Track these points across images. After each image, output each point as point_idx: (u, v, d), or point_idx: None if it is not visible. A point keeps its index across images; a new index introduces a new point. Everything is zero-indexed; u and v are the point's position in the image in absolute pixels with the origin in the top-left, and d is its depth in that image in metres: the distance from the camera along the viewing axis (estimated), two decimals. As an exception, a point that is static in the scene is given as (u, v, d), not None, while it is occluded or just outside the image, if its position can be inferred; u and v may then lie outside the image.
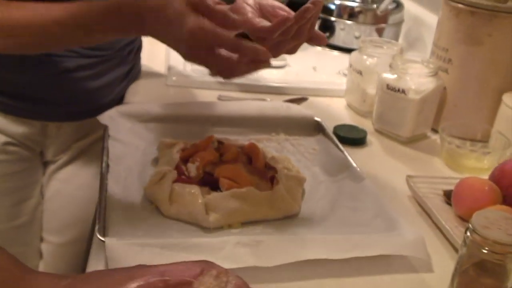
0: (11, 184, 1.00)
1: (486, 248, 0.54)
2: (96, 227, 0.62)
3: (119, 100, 1.06)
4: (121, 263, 0.57)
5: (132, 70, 1.11)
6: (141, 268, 0.48)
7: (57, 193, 1.07)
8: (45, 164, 1.06)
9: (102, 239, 0.60)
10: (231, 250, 0.60)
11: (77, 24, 0.73)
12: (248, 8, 0.85)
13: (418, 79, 0.94)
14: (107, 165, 0.76)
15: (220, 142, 0.83)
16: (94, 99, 1.01)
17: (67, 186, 1.06)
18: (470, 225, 0.55)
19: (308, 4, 0.73)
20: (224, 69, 0.73)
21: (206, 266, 0.48)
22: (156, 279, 0.46)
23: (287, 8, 0.88)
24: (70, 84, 0.97)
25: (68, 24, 0.73)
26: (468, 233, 0.55)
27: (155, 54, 1.25)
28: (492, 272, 0.56)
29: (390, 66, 0.97)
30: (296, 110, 0.97)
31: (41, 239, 1.09)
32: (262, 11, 0.88)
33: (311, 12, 0.73)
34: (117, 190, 0.72)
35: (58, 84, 0.97)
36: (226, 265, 0.58)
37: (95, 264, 0.61)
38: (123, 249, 0.58)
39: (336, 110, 1.09)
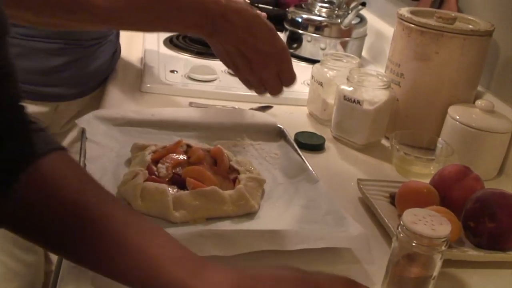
0: None
1: (415, 241, 0.62)
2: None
3: (109, 74, 1.27)
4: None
5: (117, 50, 1.31)
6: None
7: None
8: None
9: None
10: (194, 241, 0.67)
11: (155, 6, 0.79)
12: None
13: (373, 91, 1.03)
14: (84, 165, 0.82)
15: (188, 146, 0.90)
16: (97, 76, 1.23)
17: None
18: (401, 222, 0.63)
19: None
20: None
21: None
22: None
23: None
24: (83, 68, 1.15)
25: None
26: (399, 229, 0.63)
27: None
28: (420, 262, 0.64)
29: (347, 78, 1.05)
30: (261, 117, 1.05)
31: None
32: None
33: None
34: (93, 187, 0.79)
35: (73, 69, 1.13)
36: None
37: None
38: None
39: (298, 118, 1.17)
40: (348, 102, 1.04)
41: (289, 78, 0.86)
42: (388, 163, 1.03)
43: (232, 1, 0.81)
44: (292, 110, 1.20)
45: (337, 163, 1.02)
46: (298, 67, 1.48)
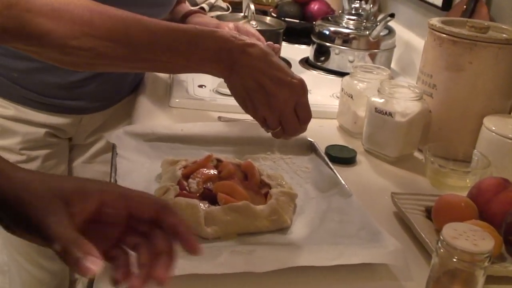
0: (46, 164, 1.18)
1: (455, 257, 0.60)
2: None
3: (135, 86, 1.29)
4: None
5: None
6: None
7: (80, 172, 1.29)
8: (72, 146, 1.28)
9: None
10: (226, 257, 0.66)
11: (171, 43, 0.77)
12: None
13: (405, 103, 1.01)
14: (115, 181, 0.82)
15: (218, 160, 0.90)
16: (121, 89, 1.24)
17: (88, 165, 1.29)
18: (441, 236, 0.61)
19: None
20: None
21: None
22: None
23: (257, 34, 1.16)
24: (106, 81, 1.15)
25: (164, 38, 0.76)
26: (439, 244, 0.61)
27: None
28: (462, 279, 0.62)
29: (378, 90, 1.04)
30: (290, 131, 1.04)
31: None
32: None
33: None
34: (124, 203, 0.78)
35: (96, 82, 1.14)
36: (222, 270, 0.65)
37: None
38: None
39: (329, 131, 1.16)
40: (380, 114, 1.02)
41: (306, 114, 0.81)
42: (421, 176, 1.01)
43: (197, 23, 0.80)
44: (321, 123, 1.18)
45: (370, 177, 1.00)
46: (326, 80, 1.48)
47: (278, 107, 0.78)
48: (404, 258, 0.71)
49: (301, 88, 0.79)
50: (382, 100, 1.02)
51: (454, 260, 0.60)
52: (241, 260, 0.66)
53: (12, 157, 1.14)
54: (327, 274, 0.69)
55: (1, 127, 1.13)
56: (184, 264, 0.64)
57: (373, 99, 1.04)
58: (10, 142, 1.14)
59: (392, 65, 1.55)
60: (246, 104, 0.81)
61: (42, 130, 1.16)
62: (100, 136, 1.27)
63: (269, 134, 1.01)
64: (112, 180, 0.82)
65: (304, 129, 0.83)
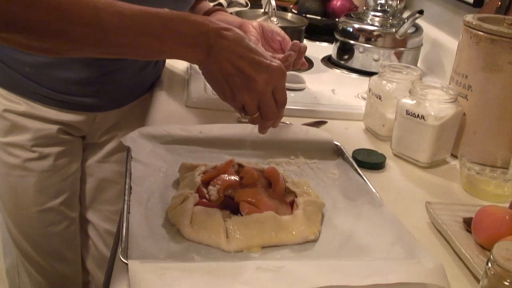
0: (59, 163, 1.14)
1: (508, 281, 0.54)
2: (119, 250, 0.63)
3: (151, 84, 1.24)
4: (144, 285, 0.57)
5: (159, 61, 1.27)
6: None
7: (94, 171, 1.25)
8: (86, 145, 1.23)
9: (125, 261, 0.61)
10: (251, 275, 0.60)
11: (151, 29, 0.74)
12: (253, 32, 1.08)
13: (438, 105, 0.94)
14: (130, 187, 0.77)
15: (240, 165, 0.84)
16: (136, 87, 1.20)
17: (103, 165, 1.25)
18: (491, 257, 0.55)
19: (290, 52, 0.95)
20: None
21: None
22: None
23: (282, 33, 1.13)
24: (120, 79, 1.12)
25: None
26: (490, 265, 0.55)
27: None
28: (514, 303, 0.56)
29: (410, 91, 0.97)
30: (316, 133, 0.98)
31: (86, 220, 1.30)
32: (264, 34, 1.11)
33: (293, 57, 0.94)
34: (139, 212, 0.73)
35: (110, 80, 1.10)
36: (246, 289, 0.59)
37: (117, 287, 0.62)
38: (146, 272, 0.59)
39: (354, 134, 1.10)
40: (411, 117, 0.95)
41: (283, 97, 0.80)
42: (455, 183, 0.94)
43: (219, 20, 0.79)
44: (347, 125, 1.13)
45: (400, 183, 0.93)
46: (350, 79, 1.42)
47: (258, 91, 0.77)
48: (445, 276, 0.65)
49: (280, 72, 0.78)
50: (413, 102, 0.96)
51: (506, 283, 0.54)
52: (268, 278, 0.60)
53: (23, 154, 1.10)
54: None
55: (12, 123, 1.09)
56: (206, 282, 0.58)
57: (404, 100, 0.97)
58: (22, 138, 1.10)
59: (418, 65, 1.48)
60: (224, 90, 0.79)
61: (55, 127, 1.11)
62: (115, 134, 1.23)
63: (293, 136, 0.96)
64: (127, 186, 0.76)
65: (281, 115, 0.83)
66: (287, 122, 1.08)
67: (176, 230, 0.71)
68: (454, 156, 1.01)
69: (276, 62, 0.78)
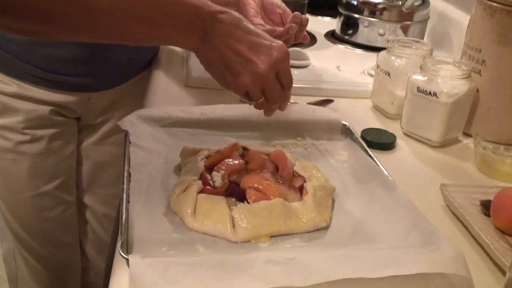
0: (53, 145, 1.10)
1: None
2: (119, 243, 0.59)
3: (147, 62, 1.19)
4: (146, 282, 0.54)
5: None
6: None
7: (90, 153, 1.21)
8: (81, 126, 1.18)
9: (126, 256, 0.57)
10: (261, 269, 0.56)
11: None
12: (252, 5, 1.02)
13: (451, 81, 0.90)
14: (129, 174, 0.72)
15: (245, 149, 0.80)
16: (131, 65, 1.14)
17: (100, 147, 1.20)
18: (519, 246, 0.51)
19: (291, 24, 0.95)
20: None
21: None
22: None
23: (283, 5, 1.08)
24: (114, 57, 1.06)
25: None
26: (518, 255, 0.51)
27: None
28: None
29: (421, 67, 0.92)
30: (323, 113, 0.93)
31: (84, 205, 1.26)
32: (263, 6, 1.06)
33: (294, 29, 0.95)
34: (140, 200, 0.69)
35: (103, 59, 1.05)
36: (257, 284, 0.55)
37: (118, 283, 0.58)
38: (148, 268, 0.55)
39: (362, 112, 1.05)
40: (422, 94, 0.91)
41: (289, 79, 0.77)
42: (469, 162, 0.90)
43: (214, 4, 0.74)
44: (353, 103, 1.08)
45: (411, 164, 0.89)
46: (354, 54, 1.37)
47: (260, 75, 0.73)
48: (466, 266, 0.61)
49: (282, 52, 0.74)
50: (425, 78, 0.91)
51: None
52: (279, 271, 0.56)
53: (15, 137, 1.06)
54: (374, 284, 0.59)
55: (2, 104, 1.04)
56: (213, 278, 0.55)
57: (415, 77, 0.93)
58: (12, 120, 1.05)
59: (425, 39, 1.43)
60: (225, 77, 0.75)
61: (47, 108, 1.06)
62: (111, 115, 1.18)
63: (299, 116, 0.92)
64: (125, 174, 0.72)
65: (288, 97, 0.80)
66: (292, 101, 1.03)
67: (179, 220, 0.67)
68: (466, 134, 0.97)
69: (277, 43, 0.74)
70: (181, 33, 0.71)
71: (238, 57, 0.72)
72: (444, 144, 0.93)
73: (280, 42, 0.75)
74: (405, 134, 0.96)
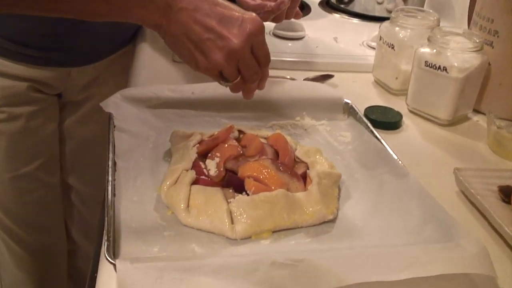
0: (32, 124, 1.02)
1: None
2: (104, 247, 0.52)
3: (131, 34, 1.11)
4: (136, 292, 0.47)
5: None
6: None
7: (73, 132, 1.13)
8: (62, 104, 1.10)
9: (113, 261, 0.50)
10: (265, 273, 0.50)
11: None
12: None
13: (462, 54, 0.83)
14: (114, 163, 0.65)
15: (240, 132, 0.73)
16: (115, 38, 1.06)
17: (83, 125, 1.13)
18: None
19: None
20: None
21: None
22: None
23: None
24: (93, 29, 0.98)
25: None
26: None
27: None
28: None
29: (429, 39, 0.86)
30: (323, 90, 0.86)
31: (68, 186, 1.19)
32: None
33: (286, 5, 0.89)
34: (127, 193, 0.62)
35: (82, 32, 0.97)
36: (261, 292, 0.49)
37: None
38: (138, 275, 0.48)
39: (363, 88, 0.99)
40: (431, 69, 0.84)
41: (265, 54, 0.69)
42: (480, 142, 0.84)
43: None
44: (353, 78, 1.01)
45: (419, 145, 0.83)
46: (351, 25, 1.29)
47: (234, 51, 0.65)
48: (491, 263, 0.55)
49: (256, 24, 0.66)
50: (433, 52, 0.85)
51: None
52: (285, 276, 0.50)
53: None
54: (389, 284, 0.53)
55: None
56: (212, 284, 0.48)
57: (422, 50, 0.86)
58: None
59: (425, 7, 1.36)
60: (195, 57, 0.67)
61: (24, 84, 0.99)
62: (94, 92, 1.10)
63: (298, 94, 0.85)
64: (110, 163, 0.65)
65: (266, 74, 0.72)
66: (288, 77, 0.96)
67: (171, 214, 0.61)
68: (476, 111, 0.91)
69: (249, 14, 0.66)
70: (141, 10, 0.64)
71: (208, 32, 0.65)
72: (453, 122, 0.87)
73: (253, 13, 0.67)
74: (411, 112, 0.90)
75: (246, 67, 0.68)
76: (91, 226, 1.25)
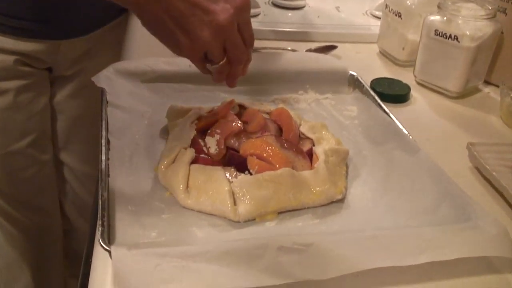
0: (21, 99, 0.98)
1: None
2: (98, 232, 0.48)
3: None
4: (134, 282, 0.44)
5: None
6: None
7: (65, 107, 1.08)
8: (53, 78, 1.04)
9: (107, 248, 0.46)
10: (272, 259, 0.47)
11: None
12: None
13: (474, 22, 0.78)
14: (107, 141, 0.61)
15: (241, 107, 0.69)
16: (105, 8, 1.00)
17: (75, 100, 1.07)
18: None
19: None
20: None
21: None
22: None
23: None
24: (82, 0, 0.93)
25: None
26: None
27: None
28: None
29: (439, 6, 0.81)
30: (327, 62, 0.82)
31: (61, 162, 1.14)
32: None
33: None
34: (122, 173, 0.58)
35: (71, 2, 0.92)
36: (268, 280, 0.45)
37: (100, 280, 0.48)
38: (136, 263, 0.45)
39: (368, 59, 0.94)
40: (441, 38, 0.80)
41: (250, 33, 0.63)
42: (492, 115, 0.80)
43: None
44: (357, 49, 0.97)
45: (429, 119, 0.79)
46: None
47: (221, 27, 0.59)
48: (511, 245, 0.52)
49: (243, 0, 0.60)
50: (444, 20, 0.80)
51: None
52: (294, 261, 0.47)
53: None
54: (404, 269, 0.50)
55: None
56: (215, 274, 0.45)
57: (432, 18, 0.81)
58: None
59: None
60: (177, 37, 0.59)
61: (11, 58, 0.93)
62: (85, 65, 1.05)
63: (301, 66, 0.81)
64: (104, 141, 0.61)
65: (250, 58, 0.66)
66: (289, 48, 0.92)
67: (169, 195, 0.57)
68: (487, 82, 0.87)
69: None
70: None
71: (193, 7, 0.58)
72: (463, 94, 0.83)
73: None
74: (419, 84, 0.86)
75: (234, 46, 0.62)
76: (86, 204, 1.22)
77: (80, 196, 1.23)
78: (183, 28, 0.58)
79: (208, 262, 0.45)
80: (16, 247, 1.19)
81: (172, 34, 0.59)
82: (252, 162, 0.58)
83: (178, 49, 0.61)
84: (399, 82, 0.83)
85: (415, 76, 0.86)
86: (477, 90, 0.86)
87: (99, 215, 0.50)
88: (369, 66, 0.91)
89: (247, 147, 0.60)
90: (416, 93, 0.84)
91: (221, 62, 0.62)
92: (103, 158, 0.58)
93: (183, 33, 0.59)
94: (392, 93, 0.80)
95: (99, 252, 0.48)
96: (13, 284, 1.18)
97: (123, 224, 0.52)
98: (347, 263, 0.47)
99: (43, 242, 1.22)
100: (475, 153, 0.67)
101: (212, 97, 0.74)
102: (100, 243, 0.47)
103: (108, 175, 0.57)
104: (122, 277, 0.44)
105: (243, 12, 0.61)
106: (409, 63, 0.89)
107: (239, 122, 0.64)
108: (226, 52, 0.62)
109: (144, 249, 0.46)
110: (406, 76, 0.87)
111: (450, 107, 0.82)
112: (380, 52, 0.95)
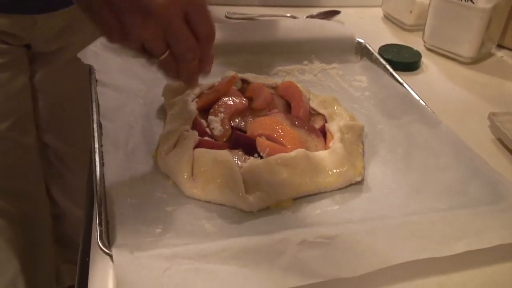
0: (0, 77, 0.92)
1: None
2: (96, 233, 0.43)
3: None
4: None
5: None
6: None
7: (47, 87, 1.01)
8: (33, 55, 0.98)
9: (108, 251, 0.41)
10: (294, 254, 0.42)
11: None
12: None
13: (489, -18, 0.73)
14: (99, 125, 0.55)
15: (244, 81, 0.63)
16: None
17: (59, 78, 1.01)
18: None
19: None
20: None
21: None
22: None
23: None
24: None
25: None
26: None
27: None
28: None
29: (451, -35, 0.75)
30: (332, 28, 0.76)
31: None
32: None
33: None
34: (117, 160, 0.52)
35: None
36: (291, 280, 0.40)
37: (99, 285, 0.42)
38: (142, 269, 0.39)
39: (372, 25, 0.89)
40: (453, -1, 0.74)
41: (205, 24, 0.51)
42: (508, 80, 0.75)
43: None
44: (361, 13, 0.91)
45: (443, 87, 0.74)
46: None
47: (158, 16, 0.48)
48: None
49: None
50: (457, -21, 0.74)
51: None
52: (317, 258, 0.42)
53: None
54: (433, 260, 0.45)
55: None
56: (233, 276, 0.40)
57: (444, -22, 0.75)
58: None
59: None
60: (109, 23, 0.49)
61: None
62: (67, 40, 0.98)
63: (305, 34, 0.75)
64: (95, 125, 0.55)
65: (208, 52, 0.53)
66: (288, 15, 0.85)
67: (171, 183, 0.51)
68: (500, 46, 0.81)
69: None
70: None
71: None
72: (476, 60, 0.78)
73: None
74: (429, 50, 0.81)
75: (175, 39, 0.50)
76: (75, 187, 1.16)
77: (67, 179, 1.18)
78: (114, 14, 0.49)
79: (223, 263, 0.40)
80: (4, 236, 1.13)
81: (103, 18, 0.49)
82: (262, 144, 0.52)
83: (109, 34, 0.51)
84: (408, 48, 0.78)
85: (424, 42, 0.80)
86: (489, 54, 0.81)
87: (96, 212, 0.44)
88: (374, 32, 0.85)
89: (254, 126, 0.54)
90: (426, 60, 0.78)
91: (161, 57, 0.51)
92: (96, 145, 0.52)
93: (114, 20, 0.49)
94: (402, 60, 0.75)
95: (98, 254, 0.43)
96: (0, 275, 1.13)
97: (123, 220, 0.46)
98: (378, 256, 0.42)
99: (31, 228, 1.16)
100: (497, 123, 0.62)
101: (211, 71, 0.67)
102: (99, 246, 0.42)
103: (103, 164, 0.51)
104: (127, 286, 0.38)
105: (193, 0, 0.50)
106: (417, 28, 0.83)
107: (244, 99, 0.59)
108: (168, 45, 0.51)
109: (150, 251, 0.40)
110: (413, 42, 0.81)
111: (464, 73, 0.77)
112: (385, 16, 0.90)
